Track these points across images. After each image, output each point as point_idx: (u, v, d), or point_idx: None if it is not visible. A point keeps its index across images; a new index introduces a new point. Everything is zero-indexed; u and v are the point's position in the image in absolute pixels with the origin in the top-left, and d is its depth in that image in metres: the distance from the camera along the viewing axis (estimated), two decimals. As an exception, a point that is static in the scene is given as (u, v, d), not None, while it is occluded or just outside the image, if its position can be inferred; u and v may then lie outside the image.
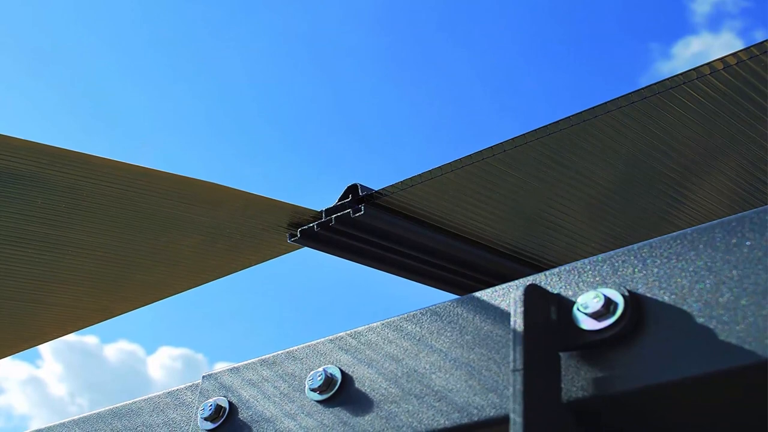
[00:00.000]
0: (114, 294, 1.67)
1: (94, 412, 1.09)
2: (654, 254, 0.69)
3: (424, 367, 0.77)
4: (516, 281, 0.76)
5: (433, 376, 0.76)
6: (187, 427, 0.95)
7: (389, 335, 0.82)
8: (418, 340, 0.80)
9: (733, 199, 1.47)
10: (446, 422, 0.72)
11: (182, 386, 1.01)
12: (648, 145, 1.27)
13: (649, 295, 0.67)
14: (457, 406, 0.72)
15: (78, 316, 1.72)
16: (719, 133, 1.27)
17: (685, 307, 0.64)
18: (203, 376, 0.97)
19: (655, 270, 0.68)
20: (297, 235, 1.40)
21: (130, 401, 1.05)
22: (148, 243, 1.49)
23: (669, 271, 0.67)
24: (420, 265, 1.52)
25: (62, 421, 1.13)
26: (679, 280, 0.66)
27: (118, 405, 1.07)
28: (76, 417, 1.12)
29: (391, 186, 1.28)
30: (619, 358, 0.65)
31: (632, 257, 0.70)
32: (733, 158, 1.35)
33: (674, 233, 0.69)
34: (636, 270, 0.69)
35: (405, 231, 1.40)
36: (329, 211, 1.35)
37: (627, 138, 1.25)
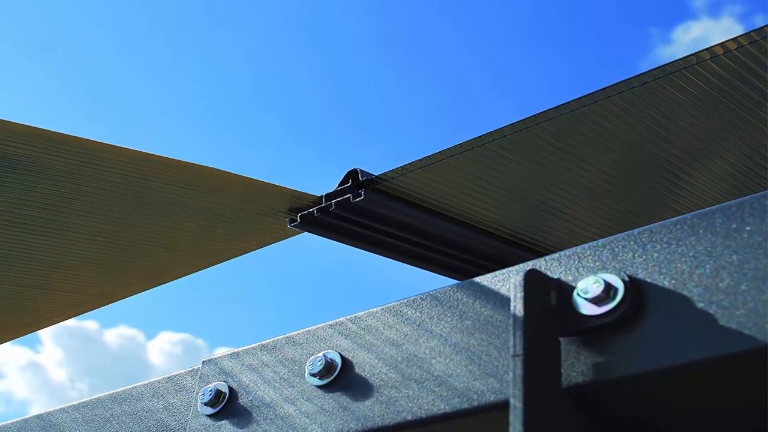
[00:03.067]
0: (114, 279, 1.67)
1: (94, 397, 1.09)
2: (654, 239, 0.69)
3: (424, 352, 0.77)
4: (516, 266, 0.76)
5: (433, 361, 0.76)
6: (187, 412, 0.95)
7: (389, 320, 0.82)
8: (418, 325, 0.79)
9: (733, 185, 1.46)
10: (446, 407, 0.72)
11: (182, 371, 1.01)
12: (648, 130, 1.27)
13: (649, 280, 0.67)
14: (457, 392, 0.72)
15: (78, 302, 1.72)
16: (719, 118, 1.26)
17: (685, 292, 0.64)
18: (203, 361, 0.97)
19: (655, 255, 0.68)
20: (297, 220, 1.40)
21: (131, 386, 1.05)
22: (148, 228, 1.49)
23: (669, 256, 0.67)
24: (420, 250, 1.52)
25: (62, 406, 1.13)
26: (679, 265, 0.66)
27: (118, 390, 1.07)
28: (76, 402, 1.12)
29: (391, 171, 1.27)
30: (619, 344, 0.65)
31: (632, 242, 0.70)
32: (733, 143, 1.34)
33: (674, 218, 0.69)
34: (636, 255, 0.69)
35: (405, 216, 1.39)
36: (329, 196, 1.35)
37: (627, 123, 1.24)
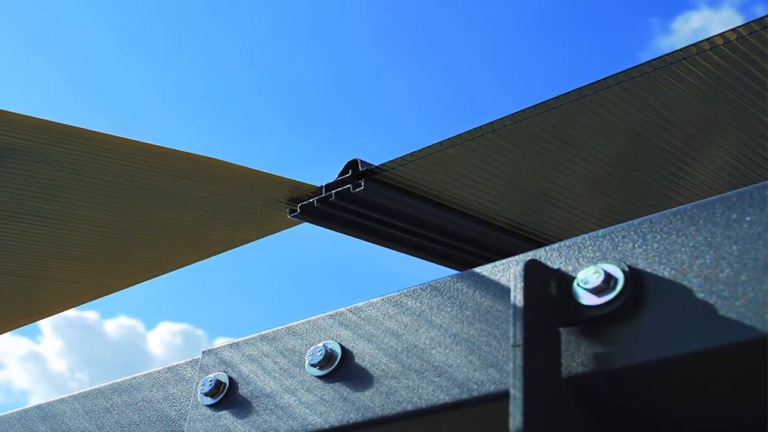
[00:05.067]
0: (114, 269, 1.67)
1: (94, 387, 1.09)
2: (654, 229, 0.68)
3: (424, 343, 0.77)
4: (516, 256, 0.76)
5: (433, 351, 0.75)
6: (187, 403, 0.95)
7: (389, 310, 0.82)
8: (418, 315, 0.79)
9: (733, 175, 1.46)
10: (446, 397, 0.71)
11: (182, 361, 1.01)
12: (648, 120, 1.26)
13: (649, 270, 0.66)
14: (457, 382, 0.72)
15: (78, 292, 1.72)
16: (719, 108, 1.26)
17: (685, 283, 0.64)
18: (203, 352, 0.97)
19: (655, 245, 0.68)
20: (297, 211, 1.39)
21: (131, 377, 1.05)
22: (148, 218, 1.49)
23: (669, 247, 0.67)
24: (420, 241, 1.51)
25: (62, 396, 1.13)
26: (679, 255, 0.66)
27: (118, 380, 1.07)
28: (76, 392, 1.12)
29: (391, 161, 1.26)
30: (618, 334, 0.65)
31: (632, 232, 0.70)
32: (733, 134, 1.34)
33: (674, 209, 0.69)
34: (636, 245, 0.69)
35: (405, 206, 1.39)
36: (329, 187, 1.34)
37: (627, 113, 1.24)
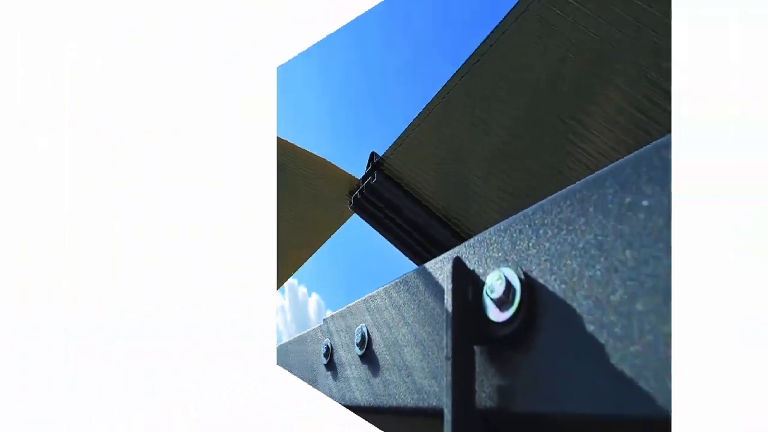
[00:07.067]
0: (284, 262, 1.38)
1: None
2: (546, 222, 0.31)
3: (400, 340, 0.48)
4: (448, 252, 0.42)
5: (405, 349, 0.47)
6: (319, 359, 0.78)
7: (386, 301, 0.54)
8: (398, 309, 0.50)
9: (628, 129, 0.75)
10: (410, 401, 0.43)
11: (317, 326, 0.83)
12: (547, 63, 0.68)
13: (541, 280, 0.31)
14: (416, 386, 0.43)
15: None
16: (616, 34, 0.63)
17: (575, 305, 0.28)
18: (323, 320, 0.77)
19: (547, 245, 0.31)
20: (351, 203, 1.04)
21: (305, 332, 0.89)
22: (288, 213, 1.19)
23: (559, 248, 0.30)
24: (408, 239, 0.97)
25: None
26: (568, 261, 0.29)
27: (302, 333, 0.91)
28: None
29: (387, 150, 0.85)
30: (518, 367, 0.31)
31: (527, 226, 0.33)
32: (630, 60, 0.67)
33: (564, 191, 0.31)
34: (531, 244, 0.33)
35: (397, 200, 0.91)
36: (362, 179, 0.92)
37: (534, 55, 0.67)
